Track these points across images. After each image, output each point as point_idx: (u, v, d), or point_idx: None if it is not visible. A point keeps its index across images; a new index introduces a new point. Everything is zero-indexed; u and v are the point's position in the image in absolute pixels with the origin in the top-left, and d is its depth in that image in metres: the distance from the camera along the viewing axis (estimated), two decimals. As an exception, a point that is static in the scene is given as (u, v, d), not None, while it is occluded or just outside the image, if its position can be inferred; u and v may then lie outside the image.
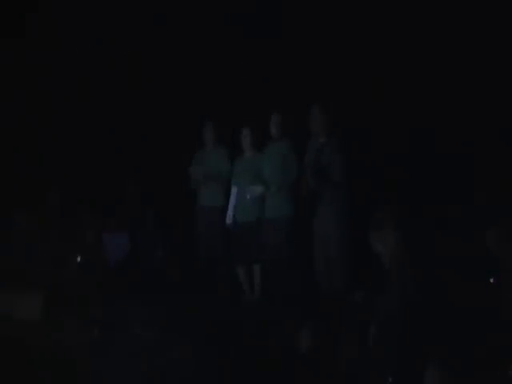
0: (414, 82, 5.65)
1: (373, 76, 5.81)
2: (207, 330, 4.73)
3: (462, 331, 3.52)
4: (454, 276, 3.94)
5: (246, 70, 6.57)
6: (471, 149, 5.40)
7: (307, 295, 5.09)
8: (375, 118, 5.69)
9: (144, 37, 7.08)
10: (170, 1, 6.91)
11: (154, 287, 6.08)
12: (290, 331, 4.35)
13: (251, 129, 5.81)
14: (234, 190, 5.87)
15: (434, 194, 5.39)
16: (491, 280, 3.59)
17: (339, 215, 5.12)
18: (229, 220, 5.85)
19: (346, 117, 5.35)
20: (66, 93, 7.35)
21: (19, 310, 5.40)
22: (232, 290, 5.82)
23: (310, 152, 5.28)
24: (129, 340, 4.69)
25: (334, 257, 5.09)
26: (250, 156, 5.85)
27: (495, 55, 5.36)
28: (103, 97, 7.26)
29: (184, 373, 4.00)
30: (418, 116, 5.61)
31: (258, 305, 5.46)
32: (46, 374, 4.08)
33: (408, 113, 5.62)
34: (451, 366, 3.32)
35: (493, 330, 3.52)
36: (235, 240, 5.80)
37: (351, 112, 5.49)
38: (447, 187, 5.36)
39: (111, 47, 7.21)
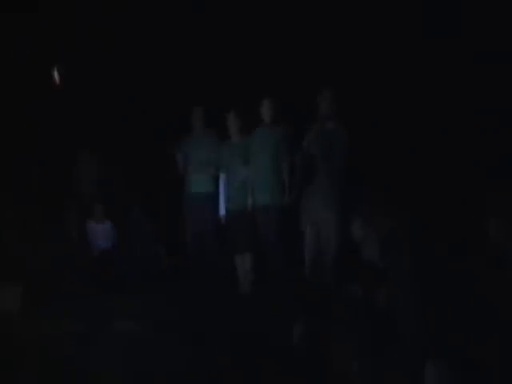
0: (418, 81, 5.58)
1: (373, 68, 5.72)
2: (198, 323, 4.60)
3: (462, 327, 3.42)
4: (453, 268, 3.85)
5: (236, 53, 6.45)
6: (470, 144, 5.34)
7: (300, 288, 4.93)
8: (374, 107, 5.61)
9: (129, 21, 6.90)
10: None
11: (142, 277, 5.96)
12: (283, 326, 4.21)
13: (237, 113, 5.63)
14: (222, 178, 5.74)
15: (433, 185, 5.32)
16: None
17: (336, 201, 4.97)
18: (222, 211, 5.73)
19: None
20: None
21: (-1, 302, 5.22)
22: (223, 280, 5.67)
23: (317, 136, 5.07)
24: (114, 334, 4.54)
25: (329, 244, 4.97)
26: (238, 141, 5.67)
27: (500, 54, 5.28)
28: (85, 84, 7.10)
29: (173, 369, 3.87)
30: (420, 110, 5.53)
31: (251, 298, 5.33)
32: (27, 367, 3.95)
33: (412, 107, 5.53)
34: (451, 364, 3.24)
35: (493, 327, 3.40)
36: (229, 229, 5.65)
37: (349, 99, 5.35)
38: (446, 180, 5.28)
39: (97, 32, 7.02)
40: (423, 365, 3.28)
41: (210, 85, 6.40)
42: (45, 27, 6.90)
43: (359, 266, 4.18)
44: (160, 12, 6.79)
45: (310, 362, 3.83)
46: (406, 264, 3.68)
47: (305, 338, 4.02)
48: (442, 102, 5.45)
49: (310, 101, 5.13)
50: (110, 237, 6.60)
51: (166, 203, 6.47)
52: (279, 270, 5.25)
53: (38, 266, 5.84)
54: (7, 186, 6.54)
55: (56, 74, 6.37)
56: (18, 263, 5.80)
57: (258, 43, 6.27)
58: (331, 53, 5.85)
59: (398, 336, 3.54)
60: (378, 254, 3.87)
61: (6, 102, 6.86)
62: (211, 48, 6.58)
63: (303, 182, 5.10)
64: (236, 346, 4.12)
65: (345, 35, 5.84)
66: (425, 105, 5.48)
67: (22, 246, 6.14)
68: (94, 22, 6.90)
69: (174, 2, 6.67)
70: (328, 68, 5.69)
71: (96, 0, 6.86)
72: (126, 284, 5.79)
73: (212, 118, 5.97)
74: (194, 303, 5.10)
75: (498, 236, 3.96)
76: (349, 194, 4.90)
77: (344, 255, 4.87)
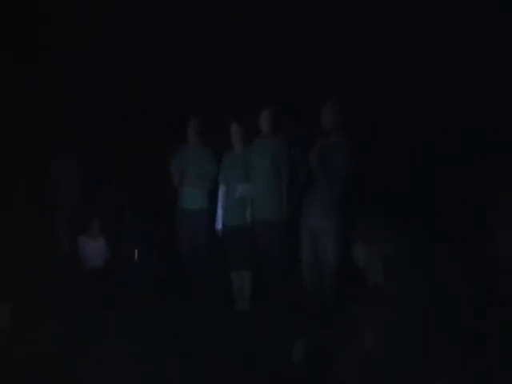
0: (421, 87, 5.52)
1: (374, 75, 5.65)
2: (195, 342, 4.46)
3: (467, 345, 3.48)
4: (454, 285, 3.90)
5: (238, 60, 6.35)
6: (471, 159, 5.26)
7: (300, 305, 4.82)
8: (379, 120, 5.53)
9: (124, 29, 6.82)
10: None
11: (135, 294, 5.74)
12: (283, 344, 4.11)
13: (240, 123, 5.47)
14: (222, 189, 5.55)
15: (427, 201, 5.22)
16: None
17: (337, 209, 4.83)
18: (218, 225, 5.54)
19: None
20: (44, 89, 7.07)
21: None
22: (220, 295, 5.50)
23: (318, 150, 4.89)
24: (104, 353, 4.36)
25: (326, 257, 4.80)
26: (240, 152, 5.49)
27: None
28: (77, 93, 6.98)
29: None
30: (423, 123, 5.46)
31: (249, 315, 5.17)
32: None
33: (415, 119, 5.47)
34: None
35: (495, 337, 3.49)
36: (226, 245, 5.46)
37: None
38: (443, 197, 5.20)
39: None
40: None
41: (209, 92, 6.30)
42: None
43: (360, 284, 4.11)
44: (158, 19, 6.73)
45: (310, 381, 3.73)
46: (410, 285, 3.63)
47: (305, 358, 3.93)
48: (450, 113, 5.38)
49: (313, 112, 5.03)
50: (103, 254, 6.44)
51: (162, 211, 6.25)
52: (279, 286, 5.09)
53: (28, 281, 5.67)
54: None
55: None
56: (7, 277, 5.60)
57: (261, 50, 6.20)
58: (336, 62, 5.77)
59: (402, 355, 3.50)
60: (382, 275, 3.81)
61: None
62: (211, 54, 6.51)
63: (302, 192, 4.97)
64: (234, 365, 4.00)
65: (351, 44, 5.77)
66: (430, 115, 5.43)
67: (12, 258, 5.97)
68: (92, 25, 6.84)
69: (174, 10, 6.61)
70: (333, 78, 5.60)
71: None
72: (118, 301, 5.63)
73: (212, 127, 5.82)
74: (190, 321, 4.96)
75: (503, 243, 3.93)
76: (350, 208, 4.80)
77: (343, 271, 4.76)
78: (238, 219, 5.35)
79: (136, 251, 6.29)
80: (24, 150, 6.87)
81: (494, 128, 5.21)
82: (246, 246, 5.28)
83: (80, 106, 6.96)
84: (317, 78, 5.75)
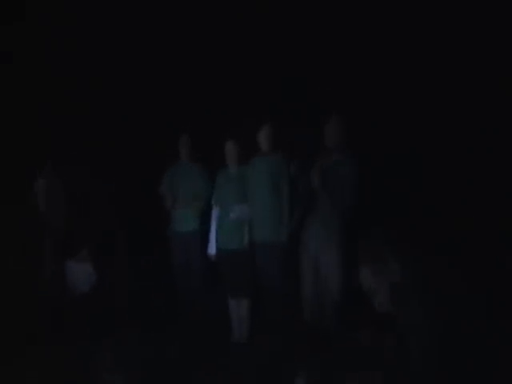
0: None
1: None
2: (185, 374, 4.25)
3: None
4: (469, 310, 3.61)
5: (231, 76, 6.16)
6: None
7: (300, 335, 4.59)
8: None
9: (113, 40, 6.61)
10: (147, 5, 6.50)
11: (125, 322, 5.51)
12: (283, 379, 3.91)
13: (236, 141, 5.19)
14: (215, 212, 5.27)
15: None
16: None
17: (339, 226, 4.61)
18: (211, 250, 5.26)
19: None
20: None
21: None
22: (216, 323, 5.27)
23: (320, 168, 4.65)
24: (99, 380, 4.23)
25: (328, 281, 4.57)
26: (235, 172, 5.20)
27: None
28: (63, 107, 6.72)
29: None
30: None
31: (247, 346, 4.94)
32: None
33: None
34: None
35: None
36: (222, 270, 5.18)
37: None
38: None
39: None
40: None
41: (205, 107, 6.13)
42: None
43: (367, 311, 3.90)
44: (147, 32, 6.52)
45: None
46: (421, 312, 3.42)
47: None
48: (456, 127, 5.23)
49: (312, 126, 4.85)
50: (90, 280, 6.17)
51: (152, 238, 6.01)
52: (279, 309, 4.87)
53: (12, 310, 5.36)
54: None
55: None
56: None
57: (259, 64, 6.04)
58: (335, 74, 5.60)
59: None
60: (391, 302, 3.60)
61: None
62: (207, 67, 6.32)
63: (304, 214, 4.75)
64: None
65: (350, 56, 5.61)
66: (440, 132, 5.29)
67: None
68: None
69: (173, 18, 6.41)
70: (336, 93, 5.42)
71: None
72: (107, 329, 5.37)
73: (205, 147, 5.60)
74: (188, 346, 4.82)
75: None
76: (353, 231, 4.57)
77: (347, 297, 4.53)
78: (234, 243, 5.07)
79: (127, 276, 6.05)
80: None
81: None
82: (243, 271, 5.01)
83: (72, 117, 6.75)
84: (316, 91, 5.64)
